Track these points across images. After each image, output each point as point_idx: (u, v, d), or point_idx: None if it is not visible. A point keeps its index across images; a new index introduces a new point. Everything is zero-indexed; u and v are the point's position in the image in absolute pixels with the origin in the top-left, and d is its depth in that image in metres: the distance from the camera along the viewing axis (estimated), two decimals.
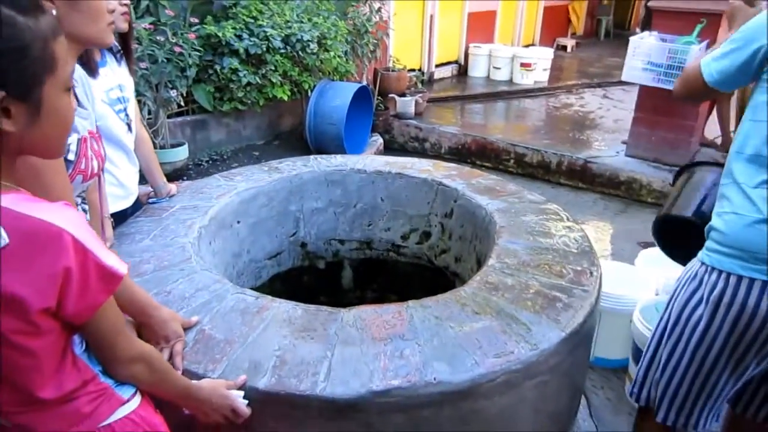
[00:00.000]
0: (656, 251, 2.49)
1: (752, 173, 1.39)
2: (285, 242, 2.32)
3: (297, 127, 5.16)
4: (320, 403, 1.17)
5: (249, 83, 4.17)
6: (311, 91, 4.56)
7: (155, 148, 3.05)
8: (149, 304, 1.24)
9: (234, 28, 4.14)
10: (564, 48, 10.22)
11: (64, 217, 0.79)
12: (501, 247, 1.78)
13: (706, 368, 1.50)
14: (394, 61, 6.05)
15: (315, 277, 2.48)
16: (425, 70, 7.27)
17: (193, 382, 1.12)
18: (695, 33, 4.04)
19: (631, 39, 4.28)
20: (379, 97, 5.66)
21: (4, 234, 0.74)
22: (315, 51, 4.28)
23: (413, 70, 6.73)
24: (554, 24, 10.32)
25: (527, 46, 9.17)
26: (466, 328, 1.38)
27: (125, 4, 1.61)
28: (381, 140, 5.46)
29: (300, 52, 4.21)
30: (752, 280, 1.37)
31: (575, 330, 1.41)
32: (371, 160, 2.50)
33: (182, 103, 4.18)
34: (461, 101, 6.83)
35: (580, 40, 10.90)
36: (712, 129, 4.72)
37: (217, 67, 4.12)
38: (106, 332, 0.89)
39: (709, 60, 1.47)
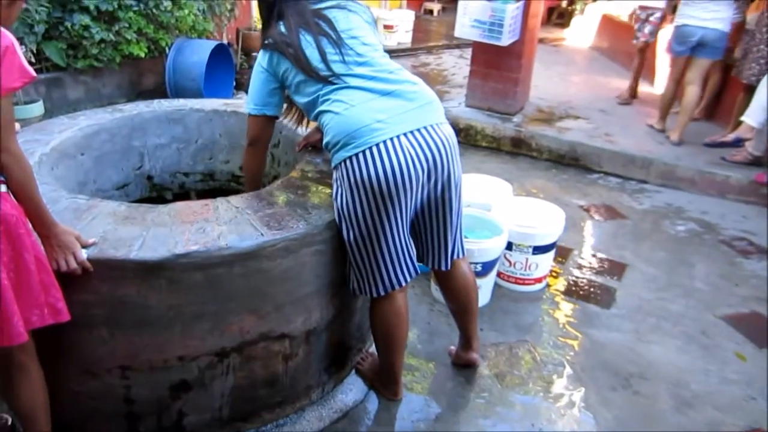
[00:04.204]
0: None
1: None
2: (131, 175, 2.60)
3: (159, 86, 5.27)
4: (134, 265, 1.54)
5: (103, 40, 4.26)
6: (169, 48, 4.72)
7: None
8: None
9: None
10: (431, 12, 10.81)
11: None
12: (306, 162, 2.20)
13: None
14: (256, 21, 6.26)
15: None
16: None
17: None
18: None
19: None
20: (244, 56, 5.88)
21: None
22: (169, 8, 4.44)
23: None
24: None
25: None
26: (260, 214, 1.78)
27: None
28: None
29: (153, 9, 4.35)
30: None
31: None
32: (210, 102, 2.81)
33: (33, 61, 4.20)
34: None
35: (446, 4, 11.51)
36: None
37: (68, 24, 4.17)
38: (5, 115, 1.30)
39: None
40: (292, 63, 1.83)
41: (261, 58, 1.91)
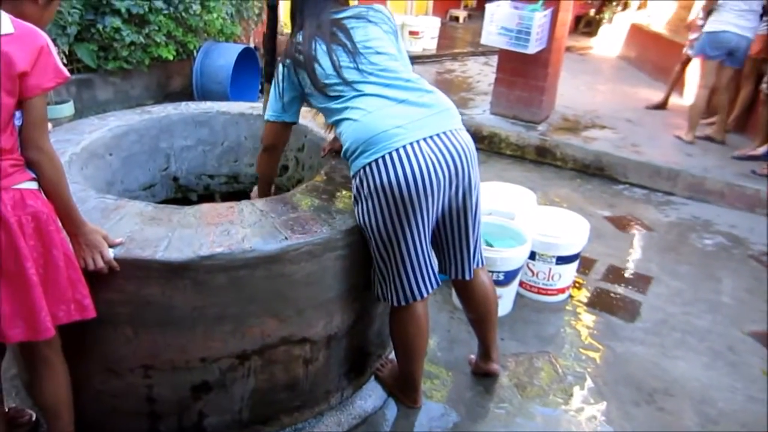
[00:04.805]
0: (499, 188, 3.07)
1: None
2: (158, 176, 2.63)
3: (186, 88, 5.35)
4: (159, 265, 1.55)
5: (133, 42, 4.34)
6: (197, 51, 4.78)
7: None
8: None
9: None
10: (456, 19, 10.81)
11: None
12: (330, 166, 2.21)
13: None
14: (284, 25, 6.31)
15: None
16: None
17: None
18: (540, 1, 4.63)
19: (487, 6, 4.81)
20: None
21: (12, 27, 1.30)
22: (198, 12, 4.50)
23: None
24: None
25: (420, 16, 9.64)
26: (284, 217, 1.79)
27: None
28: None
29: (183, 13, 4.42)
30: None
31: None
32: (237, 105, 2.84)
33: (65, 62, 4.29)
34: None
35: (472, 12, 11.50)
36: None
37: (100, 26, 4.25)
38: (39, 114, 1.37)
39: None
40: (303, 71, 1.84)
41: (280, 68, 1.94)
